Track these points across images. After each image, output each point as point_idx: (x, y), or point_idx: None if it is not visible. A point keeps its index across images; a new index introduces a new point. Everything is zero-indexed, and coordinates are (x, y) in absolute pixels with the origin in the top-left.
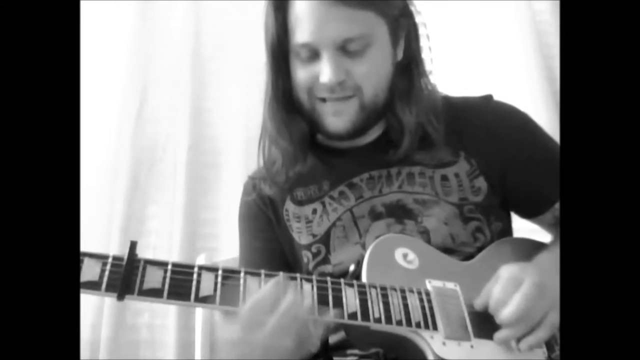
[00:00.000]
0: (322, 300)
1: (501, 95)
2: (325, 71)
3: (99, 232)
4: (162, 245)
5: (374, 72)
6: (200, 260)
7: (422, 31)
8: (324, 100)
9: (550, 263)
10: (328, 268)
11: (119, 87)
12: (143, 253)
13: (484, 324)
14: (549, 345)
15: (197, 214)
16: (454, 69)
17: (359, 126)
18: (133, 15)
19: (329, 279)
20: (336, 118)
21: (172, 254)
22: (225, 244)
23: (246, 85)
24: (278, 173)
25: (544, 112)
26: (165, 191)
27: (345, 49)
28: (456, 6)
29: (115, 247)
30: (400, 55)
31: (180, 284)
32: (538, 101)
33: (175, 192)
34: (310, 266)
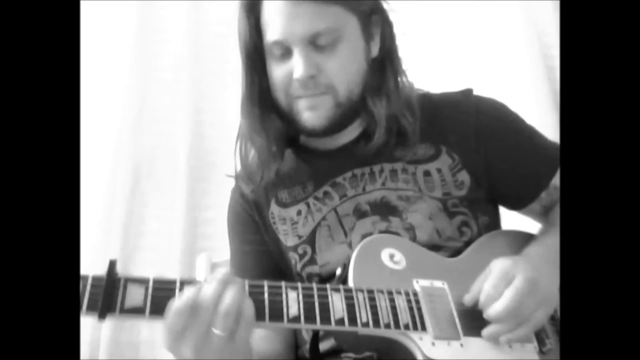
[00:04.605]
0: (309, 307)
1: (501, 96)
2: (297, 66)
3: (99, 232)
4: (162, 245)
5: (346, 67)
6: (201, 260)
7: (397, 29)
8: (300, 97)
9: (540, 257)
10: (315, 269)
11: (119, 87)
12: (143, 253)
13: (473, 321)
14: (539, 339)
15: (197, 214)
16: (454, 69)
17: (335, 122)
18: (134, 15)
19: (314, 285)
20: (311, 113)
21: (172, 254)
22: (226, 244)
23: None
24: (255, 172)
25: (544, 112)
26: (165, 191)
27: (315, 44)
28: (456, 6)
29: (115, 247)
30: (375, 51)
31: (162, 301)
32: (538, 101)
33: (175, 192)
34: (298, 267)
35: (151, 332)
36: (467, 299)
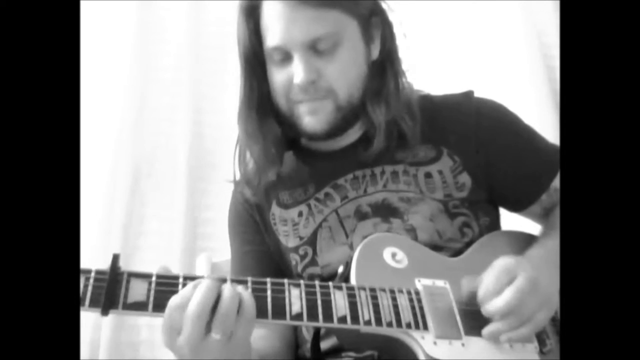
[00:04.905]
0: (312, 304)
1: (501, 96)
2: (297, 71)
3: (99, 232)
4: (162, 245)
5: (346, 71)
6: (201, 260)
7: (397, 30)
8: (300, 102)
9: (540, 259)
10: (316, 270)
11: (119, 87)
12: (143, 253)
13: (475, 321)
14: (540, 339)
15: (197, 214)
16: (453, 68)
17: (336, 126)
18: (134, 15)
19: (317, 282)
20: (312, 117)
21: (172, 254)
22: (225, 244)
23: None
24: (253, 178)
25: (544, 112)
26: (165, 191)
27: (315, 49)
28: (456, 7)
29: (115, 247)
30: (375, 54)
31: (165, 295)
32: (538, 101)
33: (175, 192)
34: (299, 268)
35: (151, 332)
36: (464, 283)
